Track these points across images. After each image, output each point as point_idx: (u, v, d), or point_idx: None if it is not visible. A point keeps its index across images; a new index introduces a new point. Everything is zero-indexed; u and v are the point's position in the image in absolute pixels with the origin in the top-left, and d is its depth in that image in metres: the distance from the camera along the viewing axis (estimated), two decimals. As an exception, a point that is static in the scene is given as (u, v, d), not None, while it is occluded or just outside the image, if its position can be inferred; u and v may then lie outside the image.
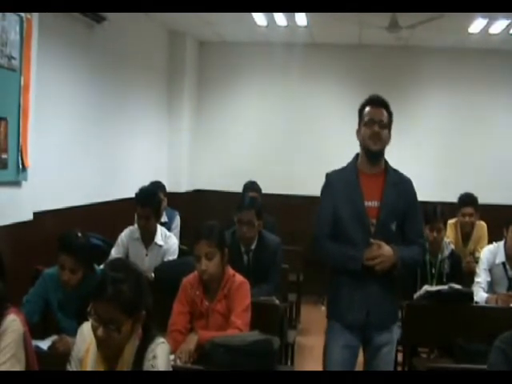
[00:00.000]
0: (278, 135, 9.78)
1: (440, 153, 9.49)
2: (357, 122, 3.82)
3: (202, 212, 8.75)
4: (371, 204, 3.67)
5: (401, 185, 3.76)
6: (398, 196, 3.70)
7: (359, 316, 3.67)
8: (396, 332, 3.90)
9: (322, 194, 3.85)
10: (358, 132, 3.77)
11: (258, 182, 7.37)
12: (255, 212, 5.18)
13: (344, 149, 4.44)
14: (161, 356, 2.64)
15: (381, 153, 3.74)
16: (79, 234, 4.00)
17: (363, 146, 3.73)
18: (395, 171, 3.82)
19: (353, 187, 3.71)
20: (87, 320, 2.65)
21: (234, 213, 5.32)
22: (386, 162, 3.80)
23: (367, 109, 3.73)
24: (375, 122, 3.67)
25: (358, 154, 3.82)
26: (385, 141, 3.71)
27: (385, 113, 3.71)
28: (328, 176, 3.85)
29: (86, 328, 2.71)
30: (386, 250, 3.59)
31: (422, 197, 3.87)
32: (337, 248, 3.72)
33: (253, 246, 5.25)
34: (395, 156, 3.88)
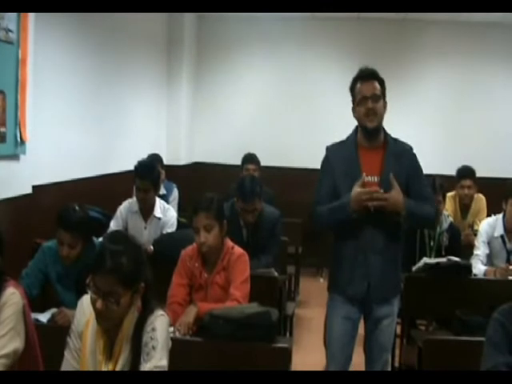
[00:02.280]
0: (276, 107, 9.77)
1: (439, 126, 9.48)
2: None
3: (201, 185, 8.74)
4: (371, 179, 3.64)
5: (402, 155, 3.72)
6: (399, 168, 3.66)
7: (360, 289, 3.67)
8: (397, 305, 3.89)
9: (321, 168, 3.82)
10: (354, 110, 3.72)
11: (257, 155, 7.36)
12: (258, 198, 5.18)
13: (342, 121, 4.42)
14: (160, 328, 2.65)
15: (378, 129, 3.71)
16: (77, 208, 3.99)
17: (360, 124, 3.70)
18: (396, 141, 3.78)
19: (352, 162, 3.68)
20: (86, 293, 2.66)
21: (234, 193, 5.33)
22: (386, 133, 3.76)
23: (358, 86, 3.68)
24: (368, 97, 3.62)
25: (357, 127, 3.78)
26: (381, 114, 3.66)
27: (376, 84, 3.66)
28: (327, 150, 3.82)
29: (86, 301, 2.72)
30: (396, 191, 3.55)
31: (421, 169, 3.84)
32: (326, 207, 3.68)
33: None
34: (394, 129, 3.85)
